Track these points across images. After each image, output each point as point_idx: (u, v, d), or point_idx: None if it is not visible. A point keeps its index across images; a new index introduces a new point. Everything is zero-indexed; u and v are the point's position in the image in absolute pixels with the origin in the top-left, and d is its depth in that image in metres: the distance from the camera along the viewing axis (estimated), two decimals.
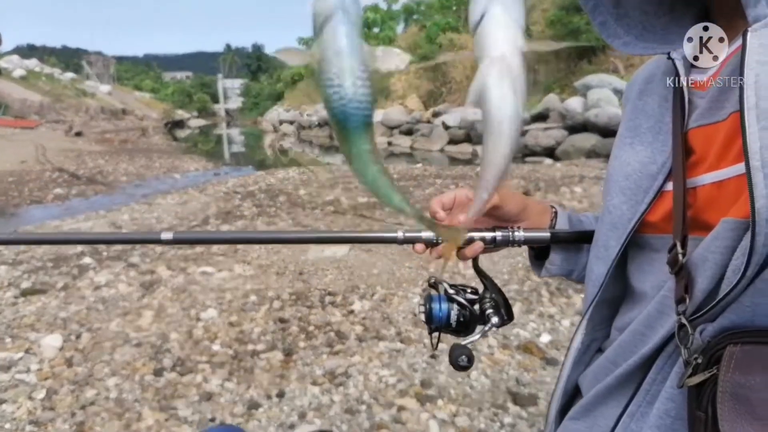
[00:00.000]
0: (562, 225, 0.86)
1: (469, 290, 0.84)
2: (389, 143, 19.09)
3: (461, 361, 0.78)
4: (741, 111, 0.54)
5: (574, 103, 11.15)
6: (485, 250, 0.81)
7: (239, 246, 4.84)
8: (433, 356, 2.90)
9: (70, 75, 43.72)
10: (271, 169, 11.41)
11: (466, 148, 14.70)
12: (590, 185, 7.04)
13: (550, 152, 10.28)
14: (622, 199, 0.70)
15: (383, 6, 30.94)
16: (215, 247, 4.77)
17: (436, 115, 17.97)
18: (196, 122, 51.36)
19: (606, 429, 0.68)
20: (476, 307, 0.83)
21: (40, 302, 3.69)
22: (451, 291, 0.83)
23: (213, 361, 2.89)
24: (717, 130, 0.60)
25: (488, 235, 0.80)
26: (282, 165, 13.70)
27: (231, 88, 75.42)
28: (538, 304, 3.56)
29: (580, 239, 0.83)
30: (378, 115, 20.92)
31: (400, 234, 0.83)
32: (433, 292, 0.84)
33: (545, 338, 3.07)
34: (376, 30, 29.57)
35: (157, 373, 2.77)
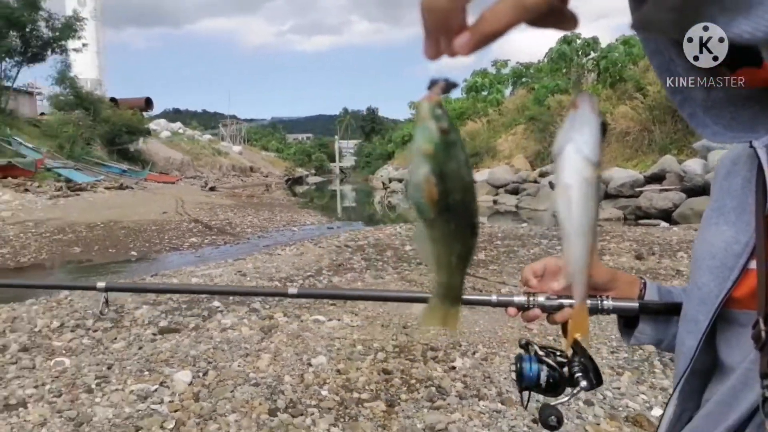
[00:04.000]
0: (651, 296, 0.90)
1: (558, 353, 0.89)
2: (495, 201, 19.03)
3: (551, 421, 0.84)
4: None
5: (694, 165, 10.54)
6: None
7: None
8: (535, 421, 2.86)
9: (207, 136, 48.60)
10: (379, 225, 11.83)
11: None
12: None
13: (666, 215, 9.69)
14: (710, 277, 0.74)
15: (492, 70, 31.49)
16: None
17: (543, 175, 17.74)
18: (314, 179, 54.53)
19: None
20: (565, 369, 0.86)
21: (174, 340, 4.13)
22: (541, 353, 0.88)
23: (321, 406, 3.07)
24: None
25: (567, 301, 0.85)
26: (390, 221, 14.10)
27: (346, 148, 79.55)
28: (650, 375, 3.38)
29: (669, 311, 0.86)
30: (484, 174, 21.01)
31: (494, 297, 0.93)
32: (524, 352, 0.90)
33: (657, 412, 2.92)
34: (484, 93, 30.06)
35: (272, 413, 2.99)
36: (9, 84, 26.15)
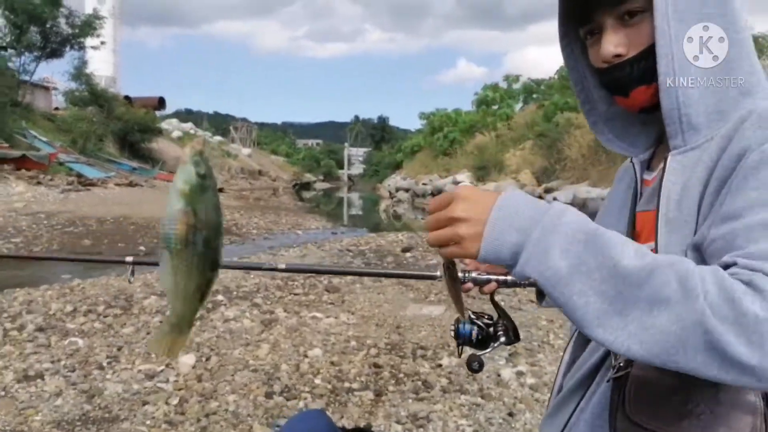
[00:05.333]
0: None
1: (486, 317, 1.14)
2: None
3: (474, 365, 1.09)
4: (657, 213, 0.83)
5: None
6: (499, 287, 1.09)
7: (346, 297, 5.35)
8: (510, 414, 3.09)
9: (218, 138, 49.06)
10: (382, 232, 12.07)
11: None
12: None
13: None
14: None
15: (503, 85, 31.79)
16: (325, 296, 5.31)
17: (548, 191, 17.98)
18: (321, 185, 54.92)
19: (565, 420, 0.95)
20: (491, 329, 1.12)
21: None
22: (473, 316, 1.13)
23: (314, 392, 3.31)
24: (649, 216, 0.87)
25: (502, 278, 1.08)
26: (394, 229, 14.31)
27: (355, 156, 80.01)
28: None
29: None
30: (490, 187, 21.30)
31: (438, 273, 1.08)
32: (461, 316, 1.11)
33: None
34: (495, 107, 30.34)
35: (268, 395, 3.23)
36: (27, 78, 26.70)
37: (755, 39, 17.63)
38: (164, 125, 38.29)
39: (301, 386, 3.38)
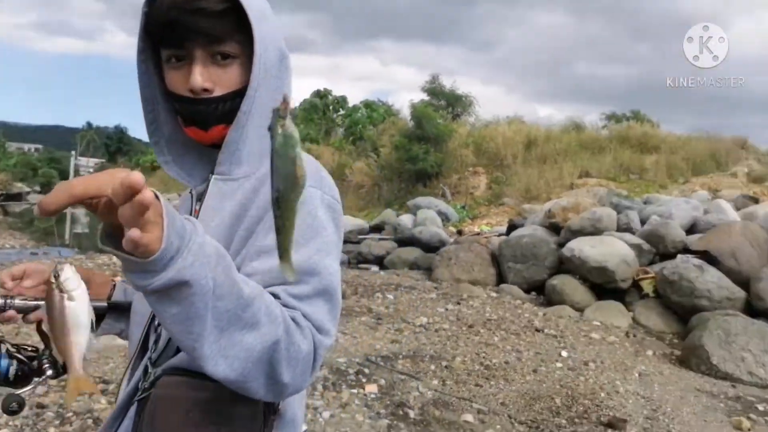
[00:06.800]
0: (119, 295, 1.08)
1: (29, 348, 0.98)
2: None
3: (12, 407, 0.93)
4: None
5: (406, 220, 12.51)
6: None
7: None
8: None
9: None
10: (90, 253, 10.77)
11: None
12: (402, 293, 7.64)
13: (380, 260, 11.06)
14: None
15: None
16: None
17: None
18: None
19: None
20: (35, 363, 0.96)
21: None
22: (12, 349, 0.96)
23: None
24: None
25: (41, 303, 0.93)
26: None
27: (85, 167, 70.80)
28: (308, 396, 3.79)
29: (127, 308, 1.04)
30: None
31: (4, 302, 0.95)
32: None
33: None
34: None
35: None
36: None
37: (459, 97, 21.15)
38: None
39: None
